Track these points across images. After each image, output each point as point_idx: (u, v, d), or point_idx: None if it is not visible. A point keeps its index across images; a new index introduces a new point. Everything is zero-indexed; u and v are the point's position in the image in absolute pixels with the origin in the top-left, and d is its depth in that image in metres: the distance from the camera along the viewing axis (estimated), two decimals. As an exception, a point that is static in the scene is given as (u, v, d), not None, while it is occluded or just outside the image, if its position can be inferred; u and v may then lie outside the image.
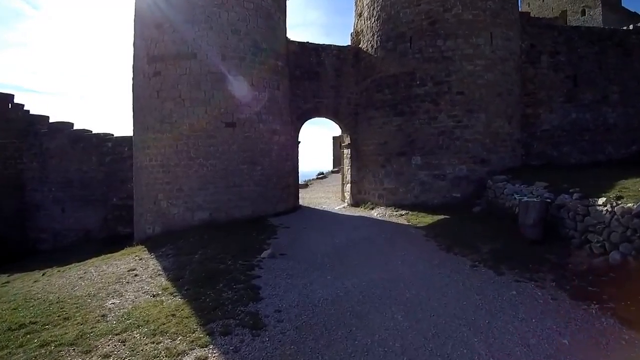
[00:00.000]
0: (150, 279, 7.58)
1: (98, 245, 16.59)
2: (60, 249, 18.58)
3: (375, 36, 14.32)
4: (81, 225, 18.76)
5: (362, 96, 15.20)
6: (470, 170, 12.93)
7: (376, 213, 13.26)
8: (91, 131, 18.99)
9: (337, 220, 12.26)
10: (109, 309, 6.33)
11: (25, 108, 19.78)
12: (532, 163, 15.25)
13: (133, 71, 13.58)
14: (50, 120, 19.86)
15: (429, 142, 13.07)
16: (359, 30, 15.59)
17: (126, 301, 6.56)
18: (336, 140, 45.05)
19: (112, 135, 18.28)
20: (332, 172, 31.57)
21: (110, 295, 6.92)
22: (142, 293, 6.85)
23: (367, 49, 14.79)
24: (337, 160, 42.61)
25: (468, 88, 13.00)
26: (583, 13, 34.52)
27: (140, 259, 9.42)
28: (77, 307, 6.56)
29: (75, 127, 19.37)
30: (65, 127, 19.07)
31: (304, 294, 6.25)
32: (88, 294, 7.15)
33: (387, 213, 12.96)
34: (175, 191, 12.29)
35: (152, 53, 12.74)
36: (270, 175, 13.17)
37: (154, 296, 6.61)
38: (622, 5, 35.56)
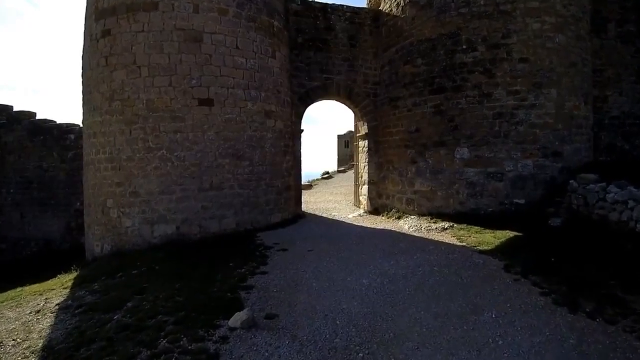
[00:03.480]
0: (-6, 384, 3.45)
1: (58, 258, 12.77)
2: (21, 261, 14.60)
3: (403, -9, 10.13)
4: (41, 233, 14.70)
5: (383, 71, 11.01)
6: (538, 167, 8.74)
7: (407, 225, 9.07)
8: (55, 121, 14.91)
9: (357, 238, 8.09)
10: None
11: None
12: (599, 158, 11.12)
13: (83, 35, 9.47)
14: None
15: (480, 128, 8.88)
16: (378, -11, 11.42)
17: None
18: (341, 139, 40.92)
19: (77, 125, 14.15)
20: (338, 171, 27.39)
21: None
22: None
23: (391, 10, 10.61)
24: (342, 160, 38.38)
25: (534, 54, 8.81)
26: None
27: (38, 311, 5.31)
28: None
29: (38, 117, 15.28)
30: (25, 118, 14.98)
31: None
32: None
33: (423, 226, 8.78)
34: (129, 195, 8.17)
35: (101, 5, 8.63)
36: (262, 174, 9.02)
37: None
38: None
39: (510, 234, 7.46)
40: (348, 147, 39.42)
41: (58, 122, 14.88)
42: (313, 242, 7.69)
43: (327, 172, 25.91)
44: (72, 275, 7.57)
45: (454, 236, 7.79)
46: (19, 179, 14.94)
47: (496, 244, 6.95)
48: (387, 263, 6.12)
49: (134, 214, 8.13)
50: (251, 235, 8.21)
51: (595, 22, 11.56)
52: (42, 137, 14.43)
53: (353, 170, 18.51)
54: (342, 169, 28.31)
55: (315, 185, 21.75)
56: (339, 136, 41.00)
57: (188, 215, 8.13)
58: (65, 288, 6.55)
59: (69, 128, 14.04)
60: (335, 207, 13.12)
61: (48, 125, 14.47)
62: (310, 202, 14.30)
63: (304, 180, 18.72)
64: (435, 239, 7.67)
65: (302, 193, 12.31)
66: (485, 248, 6.78)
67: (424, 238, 7.86)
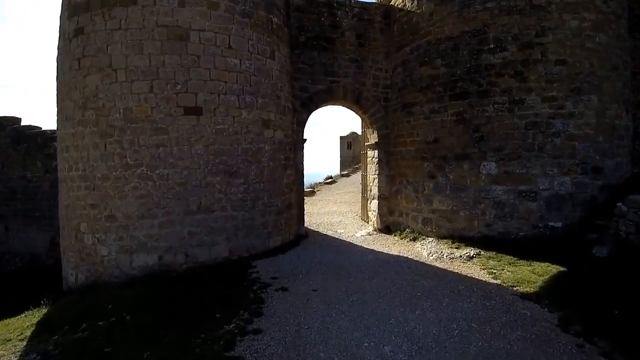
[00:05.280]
0: None
1: (41, 277, 11.71)
2: (6, 278, 13.44)
3: (418, -17, 8.81)
4: (27, 247, 13.51)
5: (396, 73, 9.70)
6: (577, 185, 7.45)
7: (425, 251, 7.80)
8: (40, 128, 13.70)
9: (369, 270, 6.79)
10: None
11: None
12: (634, 171, 9.80)
13: (58, 35, 8.22)
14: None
15: (511, 140, 7.58)
16: (389, -18, 10.08)
17: None
18: (343, 141, 39.62)
19: (62, 132, 12.86)
20: (342, 175, 26.09)
21: None
22: None
23: (404, 4, 9.29)
24: (345, 162, 37.06)
25: (573, 55, 7.50)
26: None
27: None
28: None
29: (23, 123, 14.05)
30: (8, 124, 13.75)
31: None
32: None
33: (445, 252, 7.50)
34: (104, 220, 6.92)
35: (74, 0, 7.37)
36: (259, 192, 7.74)
37: None
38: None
39: (551, 268, 6.18)
40: (350, 148, 38.12)
41: (43, 128, 13.68)
42: (318, 277, 6.42)
43: (331, 177, 24.61)
44: (39, 313, 6.46)
45: (483, 268, 6.51)
46: (2, 189, 13.77)
47: (538, 283, 5.67)
48: (411, 314, 4.85)
49: (110, 241, 6.88)
50: (246, 266, 6.96)
51: (629, 20, 10.23)
52: (26, 145, 13.24)
53: (356, 174, 17.17)
54: (346, 172, 27.02)
55: (318, 191, 20.47)
56: (341, 137, 39.71)
57: (172, 243, 6.87)
58: (22, 339, 5.36)
59: (52, 135, 12.78)
60: (340, 221, 11.84)
61: (32, 132, 13.27)
62: (313, 214, 13.04)
63: (306, 185, 17.40)
64: (463, 273, 6.38)
65: (305, 201, 11.06)
66: (527, 290, 5.50)
67: (449, 271, 6.57)
